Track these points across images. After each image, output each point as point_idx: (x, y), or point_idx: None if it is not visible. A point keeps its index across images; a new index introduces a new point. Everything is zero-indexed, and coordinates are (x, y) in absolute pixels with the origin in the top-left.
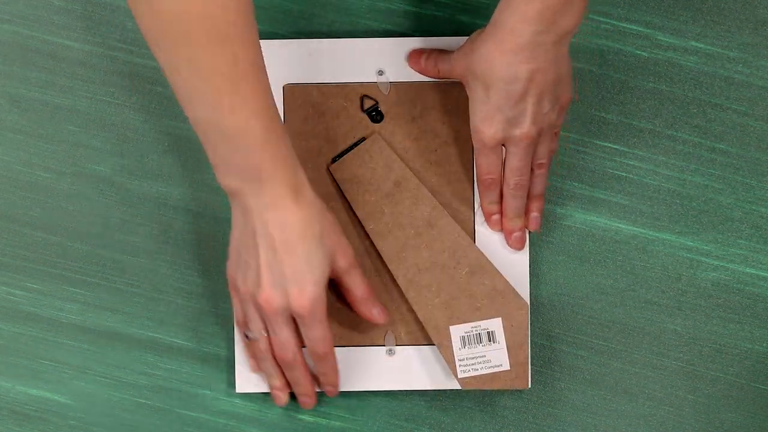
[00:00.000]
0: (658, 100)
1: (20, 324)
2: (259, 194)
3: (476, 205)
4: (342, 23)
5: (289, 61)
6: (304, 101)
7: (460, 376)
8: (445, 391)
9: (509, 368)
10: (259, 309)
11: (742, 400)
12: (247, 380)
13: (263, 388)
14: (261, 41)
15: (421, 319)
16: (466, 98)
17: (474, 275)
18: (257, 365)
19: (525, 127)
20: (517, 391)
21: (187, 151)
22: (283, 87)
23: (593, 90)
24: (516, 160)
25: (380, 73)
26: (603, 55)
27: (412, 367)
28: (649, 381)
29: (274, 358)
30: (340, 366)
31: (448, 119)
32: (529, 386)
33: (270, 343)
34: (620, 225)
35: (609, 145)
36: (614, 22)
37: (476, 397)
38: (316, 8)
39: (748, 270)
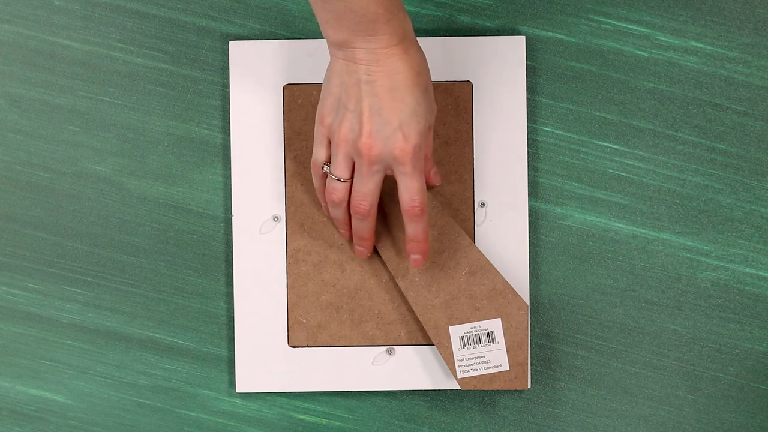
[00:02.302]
0: (658, 100)
1: (20, 324)
2: (369, 45)
3: (476, 206)
4: None
5: (289, 61)
6: (304, 101)
7: (459, 376)
8: (445, 391)
9: (509, 369)
10: (358, 155)
11: (742, 400)
12: (247, 380)
13: (263, 388)
14: (261, 41)
15: (421, 319)
16: (467, 98)
17: (474, 275)
18: (328, 212)
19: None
20: (517, 391)
21: (187, 151)
22: (283, 87)
23: (593, 90)
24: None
25: None
26: (603, 55)
27: (412, 367)
28: (649, 381)
29: (348, 207)
30: (340, 365)
31: (448, 119)
32: (529, 387)
33: (349, 191)
34: (620, 225)
35: (609, 145)
36: (614, 22)
37: (476, 397)
38: None
39: (748, 270)
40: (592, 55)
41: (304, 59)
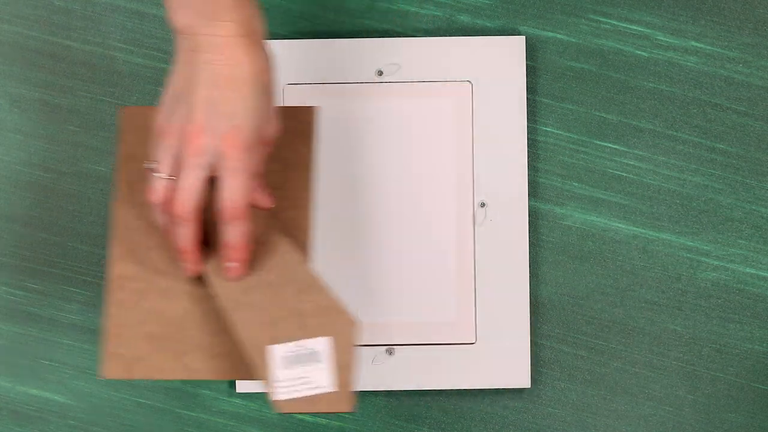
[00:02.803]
0: (658, 100)
1: (20, 324)
2: (212, 32)
3: (476, 206)
4: (342, 23)
5: (289, 61)
6: (140, 124)
7: (278, 398)
8: (445, 391)
9: (333, 390)
10: (183, 144)
11: (742, 400)
12: (247, 380)
13: (263, 388)
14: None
15: (242, 338)
16: (312, 123)
17: (302, 293)
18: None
19: None
20: (517, 391)
21: None
22: (119, 109)
23: (593, 90)
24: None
25: (380, 73)
26: (603, 55)
27: (412, 367)
28: (649, 381)
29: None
30: None
31: (291, 143)
32: (354, 410)
33: (169, 192)
34: (620, 225)
35: (609, 145)
36: (614, 22)
37: (476, 397)
38: (316, 8)
39: (748, 270)
40: (592, 55)
41: (304, 59)
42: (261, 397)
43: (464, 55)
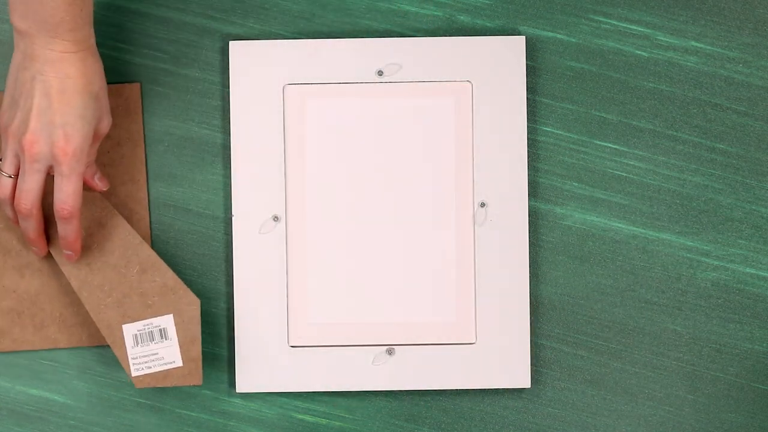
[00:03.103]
0: (658, 100)
1: None
2: (49, 45)
3: (476, 206)
4: (342, 23)
5: (289, 61)
6: None
7: (134, 374)
8: (445, 391)
9: (182, 365)
10: (21, 151)
11: (742, 400)
12: (247, 380)
13: (263, 388)
14: (261, 41)
15: (94, 319)
16: (137, 99)
17: (145, 273)
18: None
19: None
20: (517, 390)
21: (187, 151)
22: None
23: (593, 90)
24: None
25: (380, 73)
26: (603, 55)
27: (412, 367)
28: (649, 381)
29: (12, 205)
30: (340, 365)
31: (120, 120)
32: (201, 383)
33: (13, 189)
34: (620, 225)
35: (609, 145)
36: (614, 22)
37: (476, 397)
38: (316, 8)
39: (748, 270)
40: (592, 55)
41: (304, 59)
42: (261, 397)
43: (464, 55)
